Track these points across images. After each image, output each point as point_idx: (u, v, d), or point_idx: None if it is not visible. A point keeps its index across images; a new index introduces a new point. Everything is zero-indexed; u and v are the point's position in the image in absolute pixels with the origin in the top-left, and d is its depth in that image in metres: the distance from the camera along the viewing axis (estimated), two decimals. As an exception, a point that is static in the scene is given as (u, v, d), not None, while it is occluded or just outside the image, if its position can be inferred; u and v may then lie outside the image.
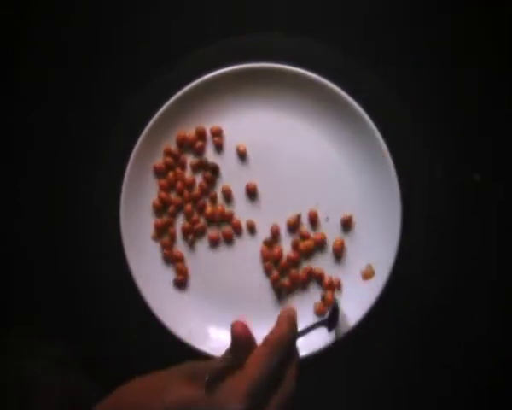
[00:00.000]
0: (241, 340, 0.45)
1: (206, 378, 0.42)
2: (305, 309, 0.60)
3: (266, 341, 0.45)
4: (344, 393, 0.61)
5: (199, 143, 0.61)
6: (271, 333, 0.46)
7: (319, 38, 0.62)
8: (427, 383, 0.61)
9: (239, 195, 0.61)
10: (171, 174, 0.61)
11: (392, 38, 0.62)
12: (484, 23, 0.62)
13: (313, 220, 0.61)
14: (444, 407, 0.61)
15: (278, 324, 0.47)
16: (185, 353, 0.57)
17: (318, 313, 0.60)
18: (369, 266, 0.59)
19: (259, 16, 0.63)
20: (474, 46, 0.62)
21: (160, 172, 0.62)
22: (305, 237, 0.60)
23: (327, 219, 0.61)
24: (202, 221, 0.62)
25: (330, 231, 0.61)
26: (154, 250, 0.62)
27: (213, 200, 0.61)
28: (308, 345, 0.58)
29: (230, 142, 0.62)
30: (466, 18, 0.62)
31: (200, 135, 0.62)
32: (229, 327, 0.47)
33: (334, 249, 0.60)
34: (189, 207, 0.61)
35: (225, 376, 0.43)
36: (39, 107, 0.63)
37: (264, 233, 0.61)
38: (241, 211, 0.61)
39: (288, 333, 0.47)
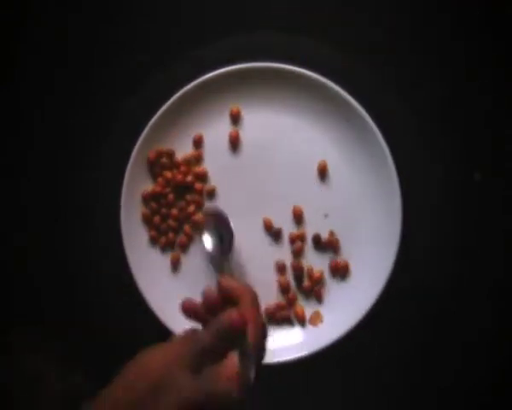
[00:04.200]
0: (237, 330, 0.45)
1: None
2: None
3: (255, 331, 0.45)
4: (342, 393, 0.61)
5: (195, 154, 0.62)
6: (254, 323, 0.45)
7: (319, 37, 0.62)
8: (428, 383, 0.61)
9: (238, 193, 0.62)
10: (167, 174, 0.61)
11: (393, 38, 0.62)
12: (484, 23, 0.62)
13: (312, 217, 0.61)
14: (444, 407, 0.61)
15: (249, 310, 0.45)
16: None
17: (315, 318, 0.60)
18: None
19: (259, 16, 0.63)
20: (474, 46, 0.62)
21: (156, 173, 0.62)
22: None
23: (326, 215, 0.61)
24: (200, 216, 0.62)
25: (329, 229, 0.61)
26: (155, 250, 0.62)
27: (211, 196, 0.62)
28: (307, 345, 0.58)
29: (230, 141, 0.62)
30: (466, 18, 0.62)
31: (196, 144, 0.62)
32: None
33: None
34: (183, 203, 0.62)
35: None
36: (39, 107, 0.63)
37: (262, 231, 0.61)
38: (240, 208, 0.61)
39: (258, 312, 0.46)
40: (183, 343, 0.44)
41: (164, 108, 0.60)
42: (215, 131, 0.62)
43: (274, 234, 0.61)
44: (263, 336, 0.45)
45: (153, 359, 0.44)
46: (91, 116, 0.63)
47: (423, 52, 0.62)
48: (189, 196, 0.62)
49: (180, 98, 0.60)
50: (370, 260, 0.60)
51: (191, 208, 0.61)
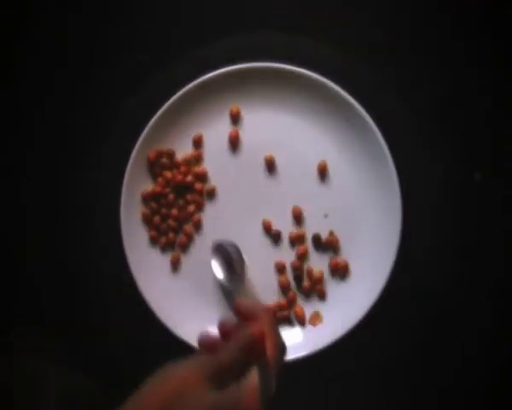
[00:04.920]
0: (257, 347, 0.46)
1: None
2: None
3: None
4: (342, 393, 0.61)
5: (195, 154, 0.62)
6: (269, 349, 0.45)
7: (319, 37, 0.62)
8: (428, 383, 0.61)
9: (237, 193, 0.62)
10: (167, 174, 0.61)
11: (393, 38, 0.62)
12: (484, 22, 0.62)
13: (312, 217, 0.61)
14: (444, 407, 0.61)
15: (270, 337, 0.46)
16: (186, 352, 0.57)
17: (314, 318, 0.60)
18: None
19: (259, 16, 0.63)
20: (474, 46, 0.62)
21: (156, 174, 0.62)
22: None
23: (326, 215, 0.61)
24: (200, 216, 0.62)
25: (329, 229, 0.61)
26: (155, 250, 0.62)
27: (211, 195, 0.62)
28: (307, 345, 0.58)
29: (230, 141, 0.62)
30: (466, 18, 0.62)
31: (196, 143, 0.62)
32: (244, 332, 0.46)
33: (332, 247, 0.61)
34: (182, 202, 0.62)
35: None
36: (39, 107, 0.63)
37: (261, 231, 0.61)
38: (239, 209, 0.61)
39: (276, 330, 0.47)
40: (203, 360, 0.45)
41: (164, 108, 0.60)
42: (215, 131, 0.62)
43: (273, 235, 0.61)
44: (281, 353, 0.46)
45: (173, 373, 0.44)
46: (91, 116, 0.63)
47: (423, 52, 0.62)
48: (189, 196, 0.62)
49: (180, 98, 0.60)
50: (370, 260, 0.60)
51: (191, 208, 0.61)
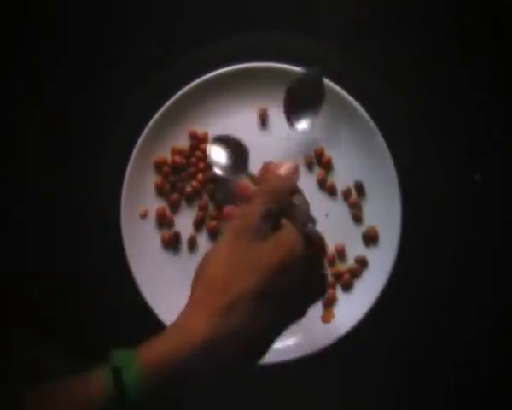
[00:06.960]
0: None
1: None
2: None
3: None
4: (342, 393, 0.61)
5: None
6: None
7: (319, 37, 0.62)
8: (428, 384, 0.61)
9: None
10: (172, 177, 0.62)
11: (393, 38, 0.62)
12: (484, 23, 0.62)
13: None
14: (444, 407, 0.61)
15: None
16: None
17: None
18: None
19: (259, 16, 0.63)
20: (474, 46, 0.62)
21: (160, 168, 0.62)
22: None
23: (326, 215, 0.61)
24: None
25: (329, 229, 0.61)
26: (155, 250, 0.62)
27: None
28: (307, 344, 0.58)
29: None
30: (466, 18, 0.62)
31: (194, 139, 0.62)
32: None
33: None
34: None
35: None
36: (38, 107, 0.63)
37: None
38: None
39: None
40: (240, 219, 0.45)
41: (164, 108, 0.60)
42: (215, 131, 0.62)
43: None
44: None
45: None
46: (91, 116, 0.63)
47: (423, 52, 0.62)
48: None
49: (180, 98, 0.60)
50: (370, 260, 0.60)
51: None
